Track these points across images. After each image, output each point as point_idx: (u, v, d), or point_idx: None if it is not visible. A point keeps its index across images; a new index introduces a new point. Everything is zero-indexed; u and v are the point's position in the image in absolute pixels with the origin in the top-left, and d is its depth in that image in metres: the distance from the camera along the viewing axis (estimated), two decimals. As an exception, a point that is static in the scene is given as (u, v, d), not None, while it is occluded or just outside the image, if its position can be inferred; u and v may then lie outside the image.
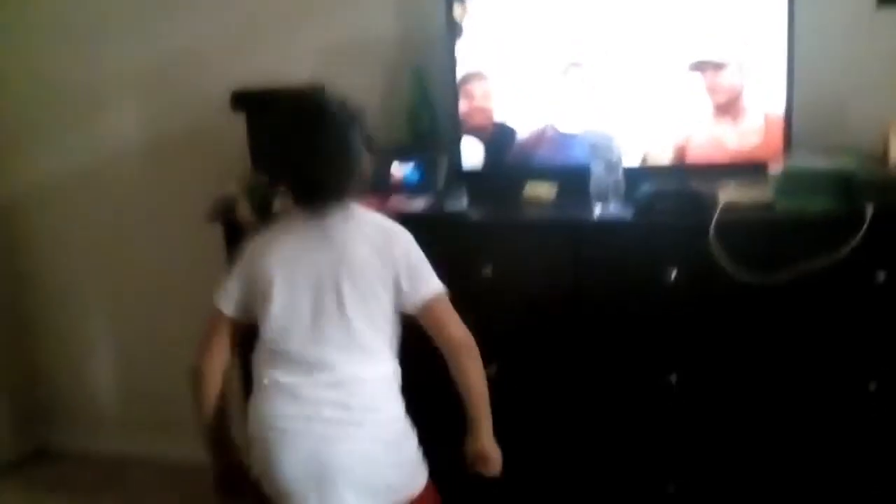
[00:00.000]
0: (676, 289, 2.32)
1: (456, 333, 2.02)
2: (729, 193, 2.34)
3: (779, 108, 2.47)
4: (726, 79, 2.50)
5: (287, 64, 2.99)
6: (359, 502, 1.94)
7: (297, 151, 1.95)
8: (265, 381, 2.02)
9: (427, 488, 2.07)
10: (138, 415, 3.61)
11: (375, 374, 2.00)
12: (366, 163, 2.01)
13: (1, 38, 3.43)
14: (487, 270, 2.44)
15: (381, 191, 2.59)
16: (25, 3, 3.37)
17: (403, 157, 2.71)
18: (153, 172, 3.33)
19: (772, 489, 2.40)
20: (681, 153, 2.58)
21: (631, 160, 2.55)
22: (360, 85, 2.82)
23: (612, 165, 2.43)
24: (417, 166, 2.69)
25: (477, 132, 2.72)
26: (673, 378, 2.38)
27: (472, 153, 2.72)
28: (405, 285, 2.00)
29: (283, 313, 2.00)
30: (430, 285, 2.02)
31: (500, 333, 2.46)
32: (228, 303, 2.09)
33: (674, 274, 2.31)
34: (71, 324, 3.65)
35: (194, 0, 3.14)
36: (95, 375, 3.65)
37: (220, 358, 2.09)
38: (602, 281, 2.40)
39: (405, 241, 2.04)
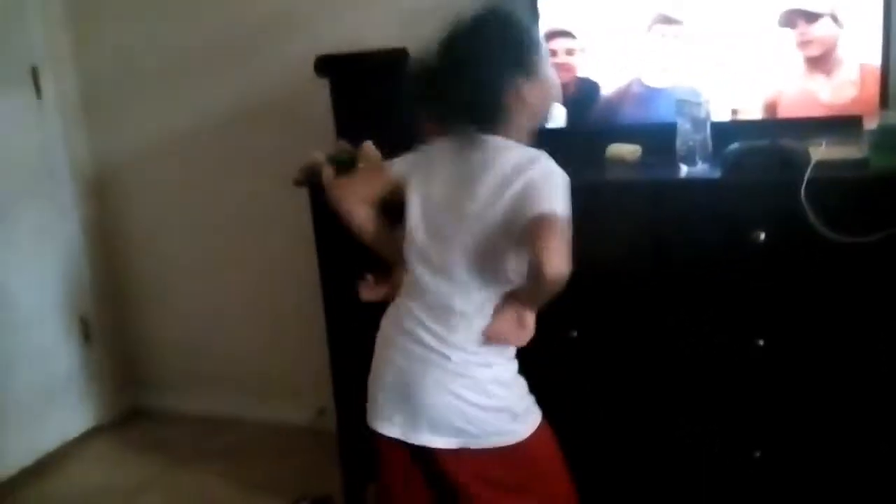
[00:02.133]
0: (765, 250, 2.25)
1: (543, 258, 1.74)
2: (821, 150, 2.25)
3: (875, 60, 2.37)
4: (820, 30, 2.41)
5: (372, 28, 2.97)
6: (437, 436, 1.95)
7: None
8: (403, 287, 2.07)
9: (533, 441, 2.01)
10: (232, 375, 3.69)
11: (477, 313, 1.95)
12: (520, 94, 1.93)
13: (92, 10, 3.52)
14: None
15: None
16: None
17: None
18: (242, 137, 3.38)
19: (862, 457, 2.33)
20: (772, 108, 2.50)
21: (719, 115, 2.48)
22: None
23: (699, 122, 2.36)
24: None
25: (561, 89, 2.66)
26: (760, 342, 2.32)
27: (555, 112, 2.68)
28: (518, 210, 1.84)
29: (414, 232, 2.00)
30: (541, 205, 1.81)
31: (581, 297, 2.39)
32: (396, 170, 2.09)
33: (763, 235, 2.24)
34: (165, 286, 3.75)
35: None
36: (190, 337, 3.75)
37: (364, 206, 2.11)
38: (688, 243, 2.34)
39: (538, 167, 1.88)
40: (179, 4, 3.36)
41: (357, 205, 2.11)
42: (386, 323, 2.07)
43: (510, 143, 1.94)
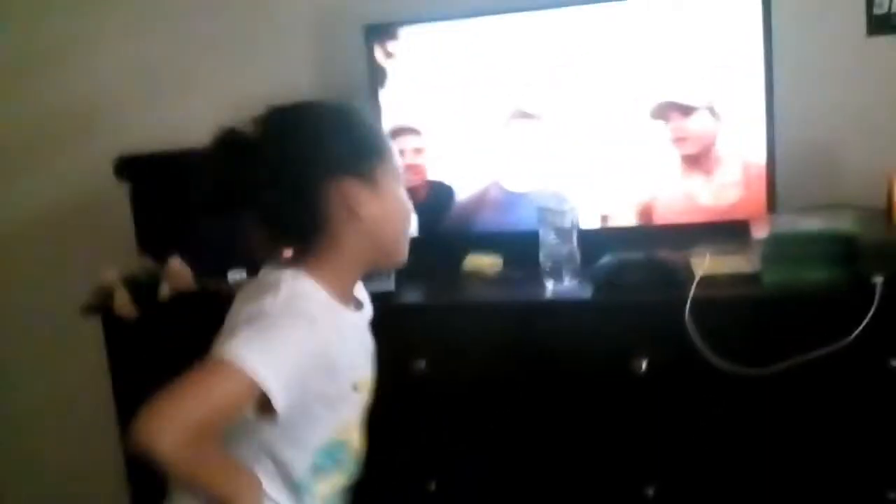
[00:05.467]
0: (649, 381, 1.98)
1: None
2: (706, 264, 2.01)
3: (759, 157, 2.19)
4: (696, 125, 2.23)
5: (189, 123, 2.59)
6: None
7: None
8: None
9: None
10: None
11: None
12: None
13: None
14: (421, 364, 2.11)
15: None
16: None
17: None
18: (35, 251, 2.96)
19: None
20: (647, 213, 2.31)
21: (588, 222, 2.26)
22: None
23: (564, 232, 2.12)
24: (337, 238, 2.34)
25: (409, 194, 2.37)
26: (650, 491, 2.04)
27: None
28: None
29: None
30: (217, 346, 1.32)
31: (439, 440, 2.19)
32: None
33: (644, 364, 1.97)
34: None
35: (82, 56, 2.81)
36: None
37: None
38: (560, 373, 2.08)
39: (256, 298, 1.39)
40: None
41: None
42: None
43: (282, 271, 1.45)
